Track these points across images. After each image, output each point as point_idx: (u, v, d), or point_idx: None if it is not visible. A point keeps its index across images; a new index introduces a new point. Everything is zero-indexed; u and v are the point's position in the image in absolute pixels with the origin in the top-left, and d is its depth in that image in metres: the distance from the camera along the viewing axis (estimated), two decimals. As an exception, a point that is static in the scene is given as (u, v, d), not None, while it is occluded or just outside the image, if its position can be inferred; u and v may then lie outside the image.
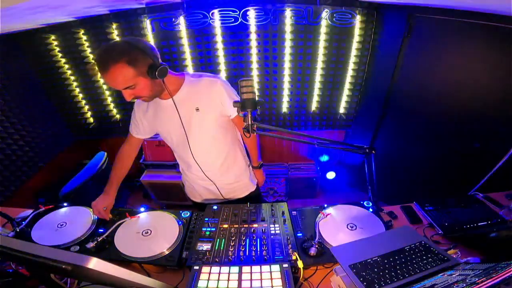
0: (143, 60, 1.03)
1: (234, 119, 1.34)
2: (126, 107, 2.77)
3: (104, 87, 2.68)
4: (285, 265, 0.97)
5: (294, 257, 1.02)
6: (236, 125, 1.40)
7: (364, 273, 0.88)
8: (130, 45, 1.02)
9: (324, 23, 2.27)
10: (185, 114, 1.24)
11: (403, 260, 0.94)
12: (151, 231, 1.19)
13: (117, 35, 2.35)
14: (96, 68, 1.06)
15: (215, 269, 0.97)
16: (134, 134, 1.40)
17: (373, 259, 0.94)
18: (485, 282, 0.65)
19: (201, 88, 1.24)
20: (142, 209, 1.34)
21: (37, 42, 2.39)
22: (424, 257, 0.95)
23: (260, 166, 1.62)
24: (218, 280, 0.92)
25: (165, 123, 1.31)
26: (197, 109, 1.24)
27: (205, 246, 1.10)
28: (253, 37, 2.35)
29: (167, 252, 1.10)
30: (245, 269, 0.96)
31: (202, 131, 1.28)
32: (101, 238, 1.13)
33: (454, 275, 0.81)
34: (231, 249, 1.08)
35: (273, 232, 1.16)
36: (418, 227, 1.28)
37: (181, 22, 2.25)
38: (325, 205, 1.33)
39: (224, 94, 1.24)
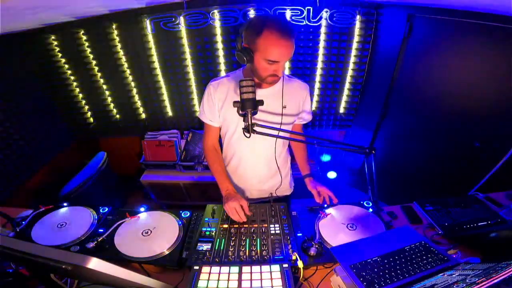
0: None
1: (296, 125, 1.42)
2: (126, 107, 2.77)
3: (104, 87, 2.66)
4: (285, 265, 0.97)
5: (294, 257, 1.01)
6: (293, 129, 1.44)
7: (364, 273, 0.89)
8: None
9: (324, 23, 2.27)
10: (273, 108, 1.27)
11: (403, 260, 0.94)
12: (151, 231, 1.19)
13: (117, 35, 2.35)
14: (274, 33, 1.01)
15: (215, 269, 0.97)
16: (208, 122, 1.36)
17: (373, 259, 0.95)
18: (485, 282, 0.65)
19: (294, 88, 1.32)
20: (142, 209, 1.34)
21: (37, 42, 2.39)
22: (424, 257, 0.95)
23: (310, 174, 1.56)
24: (218, 280, 0.92)
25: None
26: (285, 107, 1.28)
27: (205, 246, 1.09)
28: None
29: (167, 252, 1.10)
30: (245, 269, 0.96)
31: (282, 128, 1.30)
32: (101, 238, 1.13)
33: (454, 275, 0.81)
34: (231, 249, 1.08)
35: (273, 232, 1.16)
36: (418, 227, 1.28)
37: (181, 22, 2.25)
38: (325, 205, 1.33)
39: (308, 100, 1.37)
